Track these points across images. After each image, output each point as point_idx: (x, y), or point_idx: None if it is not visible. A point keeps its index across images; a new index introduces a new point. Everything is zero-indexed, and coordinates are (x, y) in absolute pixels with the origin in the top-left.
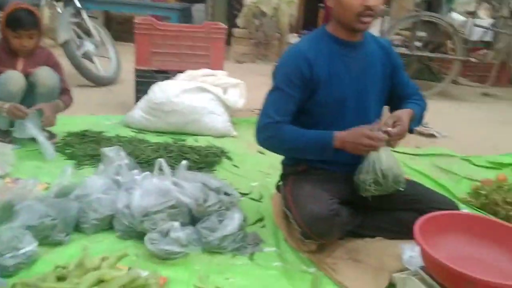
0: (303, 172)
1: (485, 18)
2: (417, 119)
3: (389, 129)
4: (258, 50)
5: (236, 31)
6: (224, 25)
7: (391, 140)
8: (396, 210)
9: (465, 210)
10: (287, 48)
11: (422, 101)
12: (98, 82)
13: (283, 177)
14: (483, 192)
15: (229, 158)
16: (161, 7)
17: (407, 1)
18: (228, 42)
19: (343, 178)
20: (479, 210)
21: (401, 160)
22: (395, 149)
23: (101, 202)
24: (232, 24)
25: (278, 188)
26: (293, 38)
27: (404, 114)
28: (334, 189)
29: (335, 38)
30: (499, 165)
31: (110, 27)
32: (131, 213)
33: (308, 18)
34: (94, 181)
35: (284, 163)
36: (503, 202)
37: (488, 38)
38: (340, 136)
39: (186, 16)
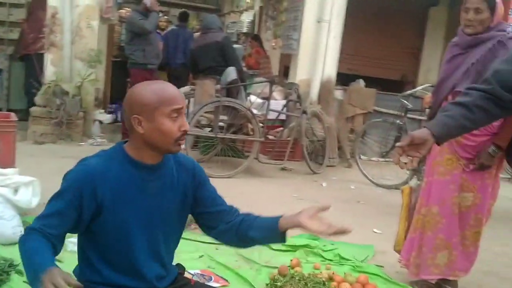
0: None
1: (279, 99)
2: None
3: None
4: (60, 130)
5: (34, 109)
6: (14, 117)
7: None
8: None
9: None
10: (78, 162)
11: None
12: None
13: None
14: (278, 283)
15: (19, 273)
16: None
17: (209, 86)
18: (26, 119)
19: None
20: None
21: (206, 251)
22: (201, 240)
23: None
24: (30, 101)
25: None
26: (100, 115)
27: None
28: None
29: (132, 160)
30: (294, 248)
31: None
32: None
33: (117, 92)
34: None
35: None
36: None
37: (283, 117)
38: (49, 270)
39: None
